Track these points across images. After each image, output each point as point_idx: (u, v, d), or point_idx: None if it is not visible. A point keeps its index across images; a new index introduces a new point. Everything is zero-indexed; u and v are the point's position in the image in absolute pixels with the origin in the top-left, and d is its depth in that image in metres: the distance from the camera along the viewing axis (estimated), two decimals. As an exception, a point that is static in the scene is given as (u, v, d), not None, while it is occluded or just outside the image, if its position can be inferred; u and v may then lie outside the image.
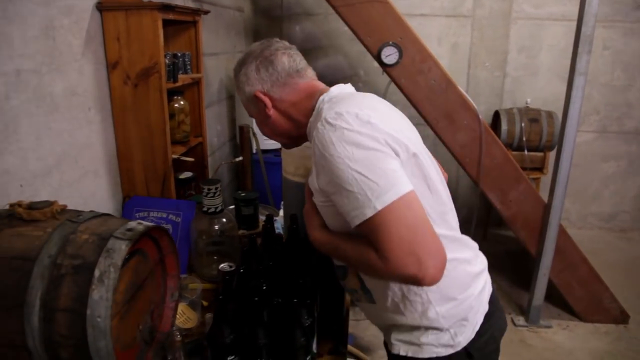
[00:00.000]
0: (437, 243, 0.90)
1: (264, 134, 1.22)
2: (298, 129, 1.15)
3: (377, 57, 2.52)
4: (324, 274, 1.30)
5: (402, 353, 1.11)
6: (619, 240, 4.06)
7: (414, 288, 1.04)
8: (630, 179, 4.12)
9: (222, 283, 1.12)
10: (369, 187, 0.90)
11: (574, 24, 2.44)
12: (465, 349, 1.09)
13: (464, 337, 1.09)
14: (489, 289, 1.18)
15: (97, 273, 0.86)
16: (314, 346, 1.16)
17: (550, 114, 3.55)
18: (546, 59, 3.84)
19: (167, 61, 1.69)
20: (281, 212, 1.77)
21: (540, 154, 3.58)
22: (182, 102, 1.93)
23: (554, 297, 2.91)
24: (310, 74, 1.17)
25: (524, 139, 3.50)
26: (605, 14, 3.67)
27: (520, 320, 2.86)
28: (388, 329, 1.15)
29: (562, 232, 2.70)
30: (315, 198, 1.07)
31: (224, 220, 1.55)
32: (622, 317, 2.85)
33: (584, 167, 4.06)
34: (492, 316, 1.15)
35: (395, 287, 1.05)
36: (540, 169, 3.60)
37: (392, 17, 2.47)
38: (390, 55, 2.49)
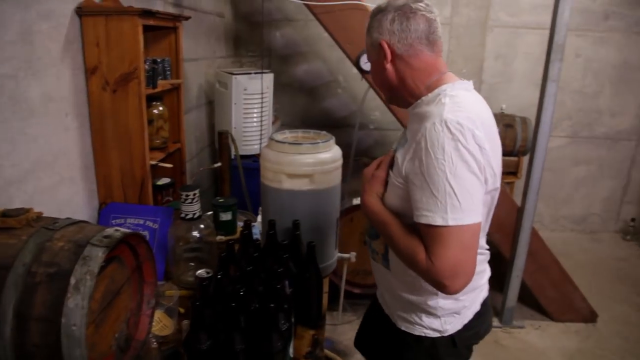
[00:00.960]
0: (474, 267, 1.02)
1: (374, 81, 1.26)
2: (405, 91, 1.18)
3: (356, 64, 2.56)
4: (302, 280, 1.32)
5: (399, 326, 1.27)
6: (589, 242, 4.18)
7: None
8: (600, 182, 4.25)
9: (199, 289, 1.13)
10: (452, 203, 0.98)
11: (547, 33, 2.52)
12: (451, 336, 1.24)
13: (452, 327, 1.23)
14: (484, 293, 1.31)
15: (72, 281, 0.86)
16: (291, 351, 1.18)
17: (524, 120, 3.64)
18: (521, 66, 3.94)
19: (146, 67, 1.69)
20: (259, 218, 1.78)
21: (514, 159, 3.67)
22: (161, 108, 1.93)
23: (526, 298, 2.98)
24: (439, 47, 1.17)
25: (499, 144, 3.58)
26: (577, 24, 3.78)
27: (495, 321, 2.92)
28: (392, 297, 1.29)
29: (534, 235, 2.77)
30: (393, 172, 1.15)
31: (202, 226, 1.56)
32: (591, 316, 2.94)
33: (556, 171, 4.17)
34: (481, 316, 1.28)
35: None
36: (514, 173, 3.69)
37: (370, 24, 2.50)
38: (368, 61, 2.52)
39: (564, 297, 2.91)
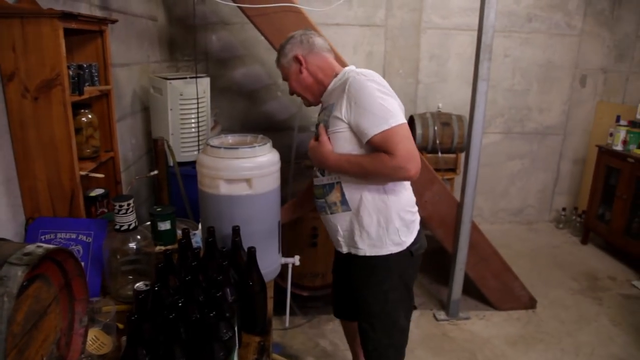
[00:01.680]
0: (417, 153, 1.45)
1: (296, 89, 1.70)
2: (319, 87, 1.65)
3: (294, 66, 2.55)
4: (244, 286, 1.29)
5: (368, 254, 1.61)
6: (527, 232, 4.40)
7: (387, 199, 1.58)
8: (534, 175, 4.49)
9: (136, 303, 1.08)
10: (387, 111, 1.43)
11: (476, 34, 2.62)
12: (408, 249, 1.62)
13: (407, 239, 1.62)
14: (419, 216, 1.72)
15: (-12, 304, 0.79)
16: (235, 359, 1.14)
17: (460, 118, 3.77)
18: (454, 66, 4.09)
19: (71, 73, 1.60)
20: (200, 226, 1.73)
21: (452, 156, 3.80)
22: (90, 116, 1.83)
23: (470, 290, 3.09)
24: (334, 54, 1.72)
25: (437, 141, 3.70)
26: (503, 25, 3.98)
27: (442, 314, 3.00)
28: (351, 234, 1.63)
29: (474, 228, 2.88)
30: (332, 128, 1.54)
31: (139, 237, 1.49)
32: (530, 303, 3.09)
33: (493, 166, 4.36)
34: (420, 232, 1.69)
35: (376, 197, 1.57)
36: (453, 169, 3.81)
37: (306, 26, 2.49)
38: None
39: (505, 287, 3.04)
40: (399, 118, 1.44)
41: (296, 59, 1.63)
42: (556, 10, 4.05)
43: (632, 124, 3.65)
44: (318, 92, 1.67)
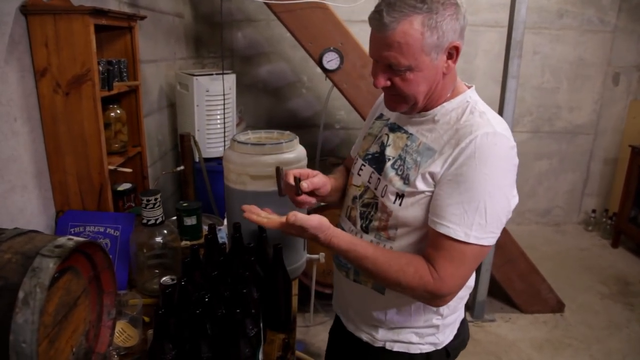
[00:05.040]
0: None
1: (415, 89, 1.02)
2: (432, 95, 1.06)
3: (319, 63, 2.54)
4: (270, 283, 1.29)
5: (389, 348, 1.19)
6: (554, 234, 4.30)
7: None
8: (562, 175, 4.38)
9: (162, 297, 1.08)
10: (479, 222, 0.94)
11: (505, 30, 2.56)
12: (445, 348, 1.20)
13: (446, 337, 1.20)
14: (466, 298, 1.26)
15: (21, 295, 0.80)
16: (260, 356, 1.14)
17: (487, 116, 3.70)
18: (482, 64, 4.02)
19: (100, 68, 1.62)
20: (226, 222, 1.73)
21: (479, 155, 3.72)
22: (118, 111, 1.85)
23: (496, 291, 3.03)
24: None
25: (464, 140, 3.63)
26: (533, 22, 3.88)
27: (466, 316, 2.95)
28: (370, 315, 1.19)
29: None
30: (415, 185, 1.02)
31: (165, 232, 1.50)
32: (558, 306, 3.01)
33: (520, 165, 4.21)
34: (464, 321, 1.28)
35: None
36: (480, 169, 3.74)
37: (333, 22, 2.50)
38: (331, 60, 2.51)
39: (532, 289, 2.97)
40: (489, 236, 0.96)
41: (455, 48, 1.01)
42: (589, 6, 3.93)
43: (668, 123, 3.53)
44: (418, 105, 1.07)
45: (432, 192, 1.00)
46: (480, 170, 0.94)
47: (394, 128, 1.16)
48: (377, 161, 1.15)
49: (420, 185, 1.01)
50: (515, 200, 1.02)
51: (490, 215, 0.94)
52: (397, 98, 1.06)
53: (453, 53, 1.02)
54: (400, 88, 1.02)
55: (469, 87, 1.13)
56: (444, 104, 1.07)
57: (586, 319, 2.96)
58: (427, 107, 1.08)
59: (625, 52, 4.07)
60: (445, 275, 0.95)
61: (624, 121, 4.25)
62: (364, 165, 1.18)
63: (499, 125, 1.00)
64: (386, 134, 1.17)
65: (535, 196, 4.43)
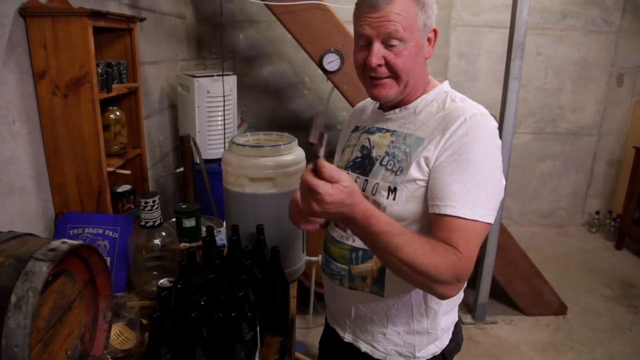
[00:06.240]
0: None
1: (398, 62, 1.02)
2: (413, 82, 1.07)
3: (319, 64, 2.53)
4: (267, 286, 1.28)
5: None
6: (557, 236, 4.27)
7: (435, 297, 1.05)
8: (565, 177, 4.35)
9: (158, 300, 1.08)
10: (483, 198, 0.94)
11: (508, 31, 2.55)
12: (442, 353, 1.18)
13: (442, 343, 1.18)
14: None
15: (13, 299, 0.80)
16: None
17: (489, 117, 3.68)
18: (484, 65, 4.00)
19: (99, 70, 1.62)
20: (225, 224, 1.73)
21: (481, 156, 3.71)
22: (118, 113, 1.85)
23: (498, 293, 3.02)
24: None
25: (466, 141, 3.61)
26: (536, 22, 3.86)
27: (468, 318, 2.94)
28: (369, 325, 1.16)
29: (503, 231, 2.80)
30: (407, 174, 1.01)
31: (164, 233, 1.50)
32: (561, 309, 2.99)
33: (523, 167, 4.25)
34: (457, 324, 1.26)
35: (419, 291, 1.08)
36: (482, 170, 3.72)
37: (333, 24, 2.49)
38: (332, 62, 2.51)
39: (534, 291, 2.96)
40: (491, 213, 0.95)
41: (434, 32, 1.08)
42: (592, 7, 3.91)
43: (672, 124, 3.50)
44: (407, 88, 1.07)
45: (427, 181, 1.00)
46: (477, 147, 0.96)
47: (373, 131, 1.16)
48: (360, 166, 1.15)
49: (415, 173, 1.01)
50: (504, 181, 1.02)
51: (490, 191, 0.95)
52: (388, 81, 1.06)
53: (432, 37, 1.08)
54: (395, 65, 1.03)
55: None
56: (423, 95, 1.10)
57: (589, 322, 2.94)
58: (406, 100, 1.11)
59: (630, 52, 4.04)
60: (467, 254, 0.91)
61: (628, 122, 4.23)
62: (348, 173, 1.13)
63: (482, 109, 1.03)
64: (366, 139, 1.17)
65: (539, 197, 4.41)
